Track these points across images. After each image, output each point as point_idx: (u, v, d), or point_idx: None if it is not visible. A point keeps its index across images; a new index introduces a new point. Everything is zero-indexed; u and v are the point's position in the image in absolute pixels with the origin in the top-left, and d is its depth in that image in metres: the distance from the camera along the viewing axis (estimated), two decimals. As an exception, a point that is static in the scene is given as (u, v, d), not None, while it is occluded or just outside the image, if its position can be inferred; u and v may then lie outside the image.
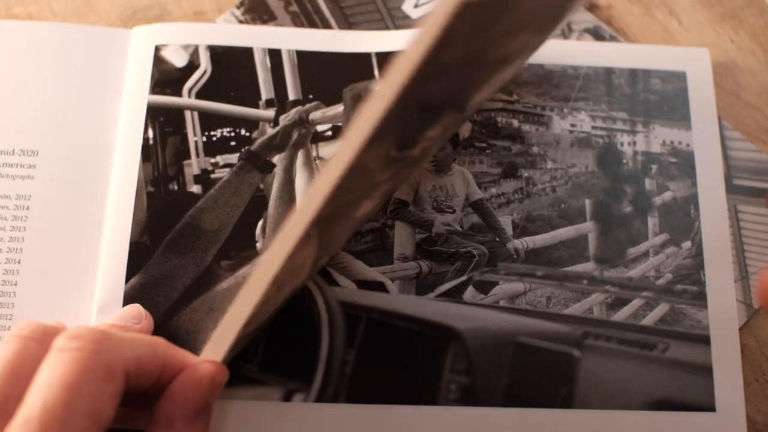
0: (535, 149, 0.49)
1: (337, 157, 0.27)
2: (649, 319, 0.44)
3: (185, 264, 0.43)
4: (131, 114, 0.46)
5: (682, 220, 0.47)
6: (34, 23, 0.49)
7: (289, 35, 0.49)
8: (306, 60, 0.48)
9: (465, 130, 0.49)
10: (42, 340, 0.31)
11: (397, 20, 0.51)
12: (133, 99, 0.46)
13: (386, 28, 0.51)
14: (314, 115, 0.47)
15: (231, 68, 0.48)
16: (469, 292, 0.44)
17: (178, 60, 0.48)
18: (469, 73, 0.32)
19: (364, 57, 0.49)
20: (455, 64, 0.28)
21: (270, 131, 0.47)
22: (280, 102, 0.48)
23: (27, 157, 0.45)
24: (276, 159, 0.46)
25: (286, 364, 0.42)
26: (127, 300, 0.42)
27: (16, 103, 0.46)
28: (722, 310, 0.44)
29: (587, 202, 0.47)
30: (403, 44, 0.27)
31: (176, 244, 0.44)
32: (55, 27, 0.48)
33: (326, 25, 0.51)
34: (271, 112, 0.47)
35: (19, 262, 0.43)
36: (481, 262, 0.45)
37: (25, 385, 0.30)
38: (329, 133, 0.47)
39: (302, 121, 0.47)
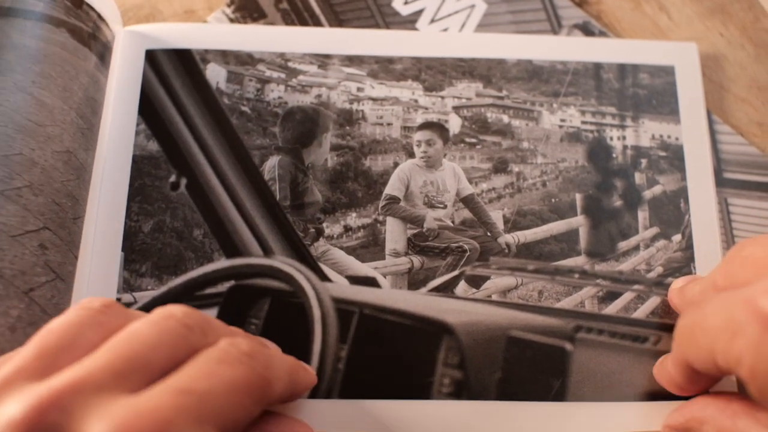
0: (525, 144, 0.49)
1: None
2: (641, 312, 0.44)
3: (177, 262, 0.44)
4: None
5: (672, 213, 0.47)
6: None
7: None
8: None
9: (455, 125, 0.49)
10: (205, 333, 0.32)
11: (387, 17, 0.51)
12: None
13: (376, 25, 0.51)
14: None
15: None
16: (461, 287, 0.45)
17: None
18: None
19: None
20: None
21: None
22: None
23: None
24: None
25: (279, 361, 0.42)
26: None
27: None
28: (712, 302, 0.44)
29: (578, 197, 0.47)
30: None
31: (168, 242, 0.44)
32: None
33: (317, 23, 0.51)
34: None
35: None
36: (473, 257, 0.46)
37: (169, 366, 0.30)
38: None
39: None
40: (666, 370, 0.39)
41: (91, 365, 0.29)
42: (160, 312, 0.32)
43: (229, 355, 0.31)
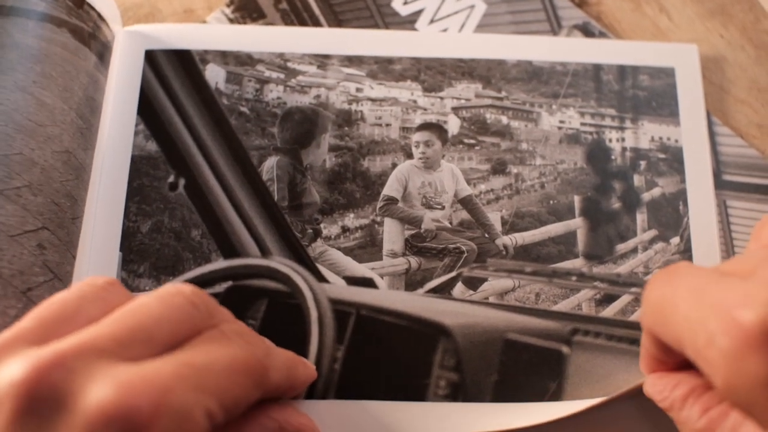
0: (524, 145, 0.49)
1: None
2: (638, 315, 0.44)
3: (175, 262, 0.44)
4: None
5: (671, 215, 0.47)
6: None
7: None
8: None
9: (454, 126, 0.49)
10: (211, 315, 0.33)
11: (386, 17, 0.51)
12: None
13: (376, 25, 0.51)
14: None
15: None
16: (458, 288, 0.45)
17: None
18: None
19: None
20: None
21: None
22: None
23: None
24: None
25: (276, 361, 0.42)
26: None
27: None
28: (710, 306, 0.44)
29: (576, 199, 0.47)
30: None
31: (166, 242, 0.44)
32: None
33: (316, 23, 0.51)
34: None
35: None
36: (470, 258, 0.46)
37: (172, 341, 0.31)
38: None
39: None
40: (642, 346, 0.36)
41: (95, 332, 0.29)
42: (168, 288, 0.32)
43: (229, 338, 0.32)
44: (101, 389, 0.27)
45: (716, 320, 0.27)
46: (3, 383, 0.27)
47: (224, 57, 0.49)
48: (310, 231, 0.46)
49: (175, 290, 0.32)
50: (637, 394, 0.38)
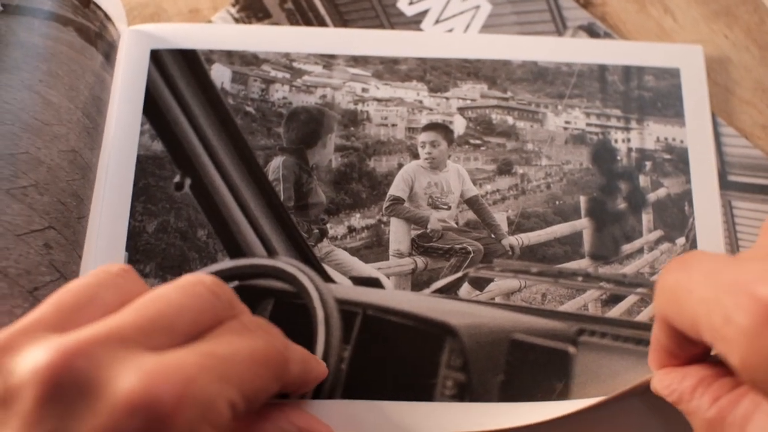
0: (529, 146, 0.49)
1: None
2: (644, 315, 0.44)
3: (181, 262, 0.44)
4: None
5: (677, 216, 0.47)
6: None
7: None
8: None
9: (460, 127, 0.49)
10: (232, 306, 0.33)
11: (392, 17, 0.51)
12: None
13: (381, 25, 0.51)
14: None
15: None
16: (465, 289, 0.45)
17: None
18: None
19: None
20: None
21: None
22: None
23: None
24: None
25: (282, 361, 0.42)
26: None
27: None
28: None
29: (582, 199, 0.47)
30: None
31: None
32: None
33: (321, 23, 0.51)
34: (266, 110, 0.48)
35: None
36: (477, 259, 0.46)
37: (194, 331, 0.30)
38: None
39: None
40: (653, 339, 0.36)
41: (117, 320, 0.29)
42: (188, 278, 0.32)
43: (250, 329, 0.32)
44: (126, 378, 0.27)
45: (733, 297, 0.26)
46: (26, 369, 0.27)
47: (230, 57, 0.49)
48: (317, 231, 0.46)
49: (196, 279, 0.32)
50: (644, 391, 0.38)
